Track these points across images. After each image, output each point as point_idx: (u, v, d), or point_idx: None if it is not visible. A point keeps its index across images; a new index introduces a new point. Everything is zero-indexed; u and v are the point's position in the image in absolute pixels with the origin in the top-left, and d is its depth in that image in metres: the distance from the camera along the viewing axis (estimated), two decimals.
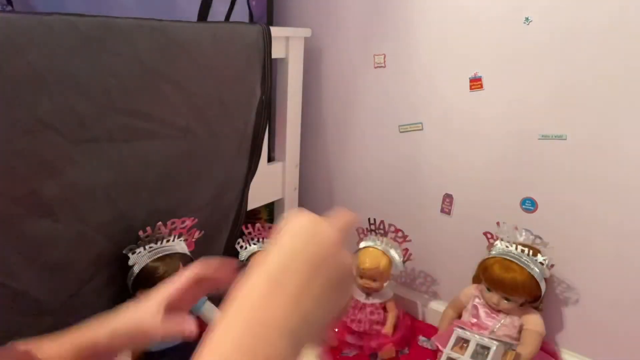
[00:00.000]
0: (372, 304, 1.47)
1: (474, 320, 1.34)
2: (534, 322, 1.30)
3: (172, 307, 0.52)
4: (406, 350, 1.46)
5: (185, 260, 1.22)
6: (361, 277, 1.46)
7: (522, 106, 1.30)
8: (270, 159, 1.65)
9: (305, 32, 1.57)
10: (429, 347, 1.47)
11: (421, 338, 1.51)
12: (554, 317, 1.38)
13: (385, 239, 1.49)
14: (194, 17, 1.47)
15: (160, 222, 1.16)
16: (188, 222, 1.22)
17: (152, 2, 1.43)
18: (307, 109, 1.71)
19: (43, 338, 0.51)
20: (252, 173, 1.50)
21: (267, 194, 1.67)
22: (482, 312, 1.34)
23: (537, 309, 1.33)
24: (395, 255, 1.47)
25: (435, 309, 1.59)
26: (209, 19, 1.47)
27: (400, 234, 1.49)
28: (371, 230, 1.52)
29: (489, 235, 1.39)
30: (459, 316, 1.43)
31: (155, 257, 1.14)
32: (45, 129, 0.90)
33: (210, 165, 1.33)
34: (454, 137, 1.44)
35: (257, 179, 1.51)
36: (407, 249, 1.50)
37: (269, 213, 1.81)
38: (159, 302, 0.51)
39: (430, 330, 1.53)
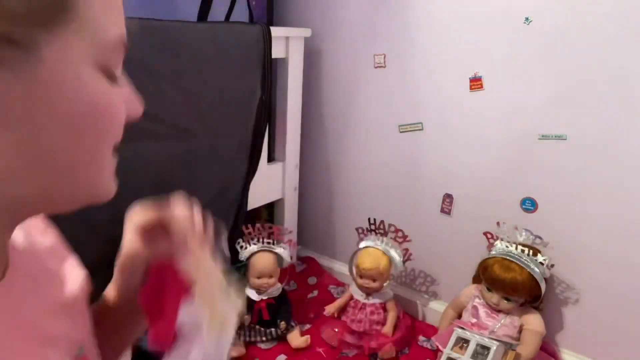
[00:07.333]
0: (372, 304, 1.47)
1: (474, 320, 1.34)
2: (534, 322, 1.30)
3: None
4: (406, 350, 1.46)
5: None
6: (361, 277, 1.46)
7: (522, 106, 1.30)
8: (270, 159, 1.65)
9: (305, 32, 1.57)
10: (429, 347, 1.47)
11: (421, 338, 1.51)
12: (554, 317, 1.38)
13: (385, 239, 1.49)
14: (194, 17, 1.47)
15: None
16: None
17: (152, 2, 1.43)
18: (307, 109, 1.71)
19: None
20: (252, 173, 1.50)
21: (267, 194, 1.67)
22: (482, 312, 1.34)
23: (537, 308, 1.33)
24: (395, 255, 1.47)
25: (435, 309, 1.58)
26: (209, 19, 1.47)
27: (400, 234, 1.49)
28: (371, 230, 1.52)
29: (489, 235, 1.39)
30: (459, 316, 1.43)
31: None
32: None
33: (210, 165, 1.33)
34: (454, 137, 1.44)
35: (257, 179, 1.51)
36: (407, 249, 1.50)
37: (269, 213, 1.81)
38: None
39: (430, 330, 1.52)
